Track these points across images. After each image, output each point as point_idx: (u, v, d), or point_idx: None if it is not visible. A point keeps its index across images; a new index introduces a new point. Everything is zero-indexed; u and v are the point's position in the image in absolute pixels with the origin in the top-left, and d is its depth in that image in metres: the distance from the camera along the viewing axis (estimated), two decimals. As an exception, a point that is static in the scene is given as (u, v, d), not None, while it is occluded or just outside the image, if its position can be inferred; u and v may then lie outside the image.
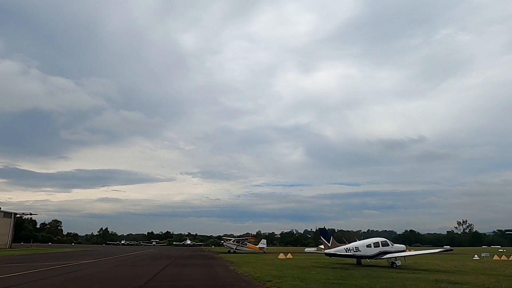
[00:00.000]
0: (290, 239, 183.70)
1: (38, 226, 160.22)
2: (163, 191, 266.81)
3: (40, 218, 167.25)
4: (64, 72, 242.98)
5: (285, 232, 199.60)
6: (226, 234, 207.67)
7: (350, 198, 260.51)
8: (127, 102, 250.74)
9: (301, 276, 21.51)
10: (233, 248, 63.54)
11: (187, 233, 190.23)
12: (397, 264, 29.42)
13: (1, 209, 73.13)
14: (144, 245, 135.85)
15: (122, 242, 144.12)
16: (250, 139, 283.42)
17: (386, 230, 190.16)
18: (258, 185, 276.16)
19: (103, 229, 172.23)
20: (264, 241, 69.70)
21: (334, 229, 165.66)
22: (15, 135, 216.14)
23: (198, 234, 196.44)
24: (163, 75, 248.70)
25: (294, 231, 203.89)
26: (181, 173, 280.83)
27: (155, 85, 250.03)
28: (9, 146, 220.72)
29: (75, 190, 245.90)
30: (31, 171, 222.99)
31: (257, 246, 65.61)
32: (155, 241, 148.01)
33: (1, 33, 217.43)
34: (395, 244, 31.52)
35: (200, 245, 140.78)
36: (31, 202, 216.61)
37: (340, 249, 30.06)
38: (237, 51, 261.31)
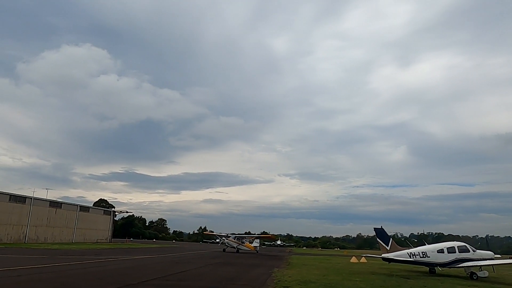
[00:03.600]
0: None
1: (147, 224, 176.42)
2: (262, 193, 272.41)
3: (150, 217, 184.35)
4: (171, 84, 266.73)
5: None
6: (325, 236, 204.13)
7: (463, 200, 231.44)
8: (226, 109, 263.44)
9: (336, 283, 18.40)
10: (234, 247, 54.10)
11: (285, 234, 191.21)
12: (481, 275, 23.67)
13: (100, 207, 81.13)
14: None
15: (217, 240, 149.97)
16: (346, 139, 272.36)
17: (510, 237, 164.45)
18: (357, 186, 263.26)
19: (202, 227, 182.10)
20: (257, 240, 61.08)
21: (442, 233, 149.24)
22: (133, 143, 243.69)
23: (297, 235, 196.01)
24: (257, 80, 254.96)
25: (398, 234, 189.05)
26: (279, 175, 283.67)
27: (251, 90, 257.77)
28: (129, 153, 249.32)
29: (183, 192, 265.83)
30: (147, 175, 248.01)
31: (252, 245, 57.35)
32: (248, 241, 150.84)
33: (119, 53, 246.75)
34: (478, 251, 25.59)
35: (292, 245, 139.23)
36: (148, 202, 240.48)
37: (402, 253, 25.35)
38: (330, 50, 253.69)
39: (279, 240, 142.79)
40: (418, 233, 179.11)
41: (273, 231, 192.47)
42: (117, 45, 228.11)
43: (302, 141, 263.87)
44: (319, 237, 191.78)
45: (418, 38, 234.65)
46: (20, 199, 54.59)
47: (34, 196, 59.21)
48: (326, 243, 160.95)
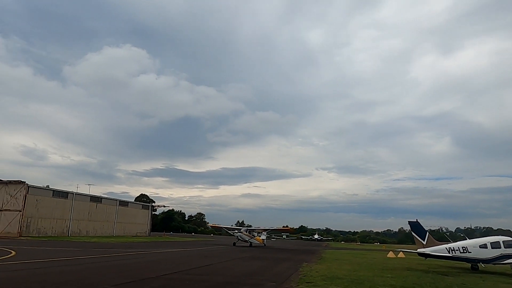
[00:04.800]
0: (435, 238, 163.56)
1: (186, 218, 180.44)
2: (299, 187, 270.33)
3: (190, 211, 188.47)
4: (207, 81, 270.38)
5: (432, 230, 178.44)
6: (365, 231, 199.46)
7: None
8: (262, 104, 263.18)
9: (365, 279, 17.32)
10: (246, 240, 50.08)
11: (324, 228, 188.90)
12: (530, 273, 21.60)
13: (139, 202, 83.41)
14: (276, 238, 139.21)
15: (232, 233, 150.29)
16: (386, 131, 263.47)
17: None
18: (398, 179, 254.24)
19: (240, 222, 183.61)
20: (264, 233, 56.76)
21: (491, 228, 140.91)
22: (173, 140, 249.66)
23: (336, 229, 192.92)
24: (293, 74, 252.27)
25: (443, 229, 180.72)
26: (316, 169, 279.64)
27: (287, 84, 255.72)
28: (169, 150, 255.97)
29: (222, 187, 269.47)
30: (186, 171, 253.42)
31: (261, 238, 53.87)
32: (286, 234, 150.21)
33: (157, 53, 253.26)
34: (527, 246, 23.34)
35: (330, 240, 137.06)
36: (188, 197, 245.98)
37: (440, 248, 23.58)
38: (366, 41, 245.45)
39: (316, 234, 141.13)
40: (464, 227, 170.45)
41: (311, 225, 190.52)
42: (155, 45, 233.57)
43: (339, 134, 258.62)
44: (359, 231, 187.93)
45: (460, 23, 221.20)
46: (63, 194, 57.11)
47: (76, 191, 62.02)
48: (366, 237, 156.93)
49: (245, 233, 50.97)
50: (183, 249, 36.13)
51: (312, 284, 15.18)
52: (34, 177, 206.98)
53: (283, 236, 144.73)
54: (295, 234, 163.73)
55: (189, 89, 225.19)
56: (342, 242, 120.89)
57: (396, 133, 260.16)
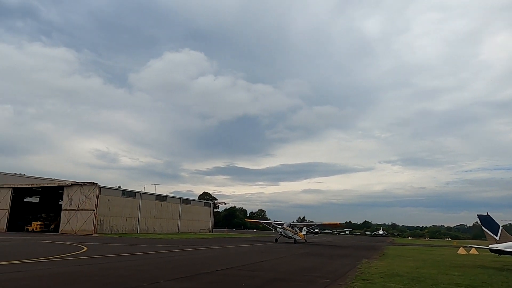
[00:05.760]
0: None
1: (247, 215, 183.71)
2: (362, 181, 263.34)
3: (251, 208, 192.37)
4: (263, 79, 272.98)
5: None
6: (435, 225, 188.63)
7: None
8: (319, 98, 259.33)
9: (427, 277, 16.28)
10: (290, 236, 45.97)
11: (390, 223, 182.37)
12: None
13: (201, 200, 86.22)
14: (337, 233, 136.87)
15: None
16: (454, 119, 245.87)
17: None
18: (470, 171, 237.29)
19: (301, 218, 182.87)
20: (305, 228, 53.46)
21: None
22: (232, 138, 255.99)
23: (403, 224, 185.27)
24: (350, 66, 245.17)
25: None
26: (379, 162, 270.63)
27: (344, 76, 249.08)
28: (229, 148, 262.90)
29: (282, 183, 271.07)
30: (246, 168, 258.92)
31: (302, 234, 49.27)
32: (349, 230, 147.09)
33: (214, 55, 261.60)
34: None
35: (396, 235, 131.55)
36: (249, 194, 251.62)
37: (516, 244, 21.42)
38: (428, 24, 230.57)
39: (381, 230, 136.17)
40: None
41: (375, 220, 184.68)
42: (212, 47, 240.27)
43: (402, 125, 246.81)
44: (428, 226, 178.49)
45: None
46: (131, 194, 60.87)
47: (143, 191, 65.87)
48: (436, 233, 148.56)
49: (289, 228, 46.50)
50: (242, 245, 36.71)
51: (369, 281, 14.53)
52: (108, 179, 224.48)
53: (346, 232, 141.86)
54: (359, 229, 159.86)
55: (246, 87, 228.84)
56: (409, 238, 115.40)
57: (466, 121, 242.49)
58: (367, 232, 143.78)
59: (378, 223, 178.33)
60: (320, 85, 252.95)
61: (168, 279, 12.89)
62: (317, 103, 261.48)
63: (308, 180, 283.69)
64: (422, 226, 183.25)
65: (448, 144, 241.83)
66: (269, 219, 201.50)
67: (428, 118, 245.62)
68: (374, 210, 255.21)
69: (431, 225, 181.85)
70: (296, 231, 47.23)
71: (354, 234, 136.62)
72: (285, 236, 45.64)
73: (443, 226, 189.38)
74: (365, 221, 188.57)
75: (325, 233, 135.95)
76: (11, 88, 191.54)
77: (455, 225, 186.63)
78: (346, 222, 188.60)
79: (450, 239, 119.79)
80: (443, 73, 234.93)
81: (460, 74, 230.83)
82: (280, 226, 46.96)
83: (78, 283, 11.63)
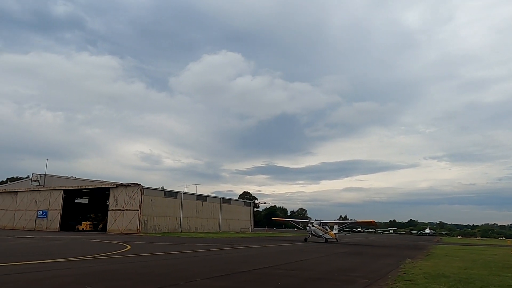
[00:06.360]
0: None
1: (288, 214, 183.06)
2: (406, 178, 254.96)
3: (292, 207, 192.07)
4: (301, 77, 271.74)
5: None
6: (487, 224, 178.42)
7: None
8: (358, 94, 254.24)
9: (477, 278, 15.36)
10: (320, 235, 42.98)
11: (437, 222, 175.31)
12: None
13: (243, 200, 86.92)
14: (381, 232, 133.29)
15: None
16: (506, 111, 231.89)
17: None
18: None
19: (343, 216, 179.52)
20: (336, 227, 48.85)
21: None
22: (271, 137, 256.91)
23: (452, 223, 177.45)
24: (390, 60, 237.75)
25: None
26: (424, 158, 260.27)
27: (384, 71, 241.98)
28: (268, 148, 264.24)
29: (322, 182, 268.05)
30: (286, 167, 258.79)
31: (333, 233, 45.91)
32: (393, 229, 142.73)
33: (251, 55, 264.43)
34: None
35: (444, 234, 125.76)
36: (289, 193, 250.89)
37: None
38: (474, 12, 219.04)
39: (427, 229, 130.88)
40: None
41: (421, 219, 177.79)
42: (249, 47, 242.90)
43: (448, 119, 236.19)
44: (479, 225, 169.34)
45: None
46: (173, 194, 62.50)
47: (184, 191, 67.46)
48: (488, 231, 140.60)
49: (319, 227, 43.36)
50: (282, 244, 36.55)
51: (411, 282, 13.89)
52: (153, 180, 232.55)
53: (390, 231, 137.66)
54: (403, 228, 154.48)
55: (284, 86, 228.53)
56: (458, 237, 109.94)
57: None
58: (412, 231, 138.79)
59: (424, 221, 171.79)
60: (360, 81, 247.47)
61: (205, 277, 13.01)
62: (356, 99, 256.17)
63: (349, 178, 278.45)
64: (473, 225, 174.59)
65: (500, 137, 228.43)
66: (310, 218, 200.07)
67: (476, 111, 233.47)
68: (420, 208, 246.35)
69: (483, 223, 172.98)
70: (326, 229, 44.48)
71: (399, 233, 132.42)
72: (315, 235, 42.84)
73: (496, 224, 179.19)
74: (411, 219, 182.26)
75: (367, 232, 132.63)
76: (62, 96, 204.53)
77: (509, 224, 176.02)
78: (390, 220, 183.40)
79: (504, 238, 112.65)
80: (492, 63, 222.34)
81: (511, 63, 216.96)
82: (310, 225, 43.86)
83: (118, 280, 12.02)
